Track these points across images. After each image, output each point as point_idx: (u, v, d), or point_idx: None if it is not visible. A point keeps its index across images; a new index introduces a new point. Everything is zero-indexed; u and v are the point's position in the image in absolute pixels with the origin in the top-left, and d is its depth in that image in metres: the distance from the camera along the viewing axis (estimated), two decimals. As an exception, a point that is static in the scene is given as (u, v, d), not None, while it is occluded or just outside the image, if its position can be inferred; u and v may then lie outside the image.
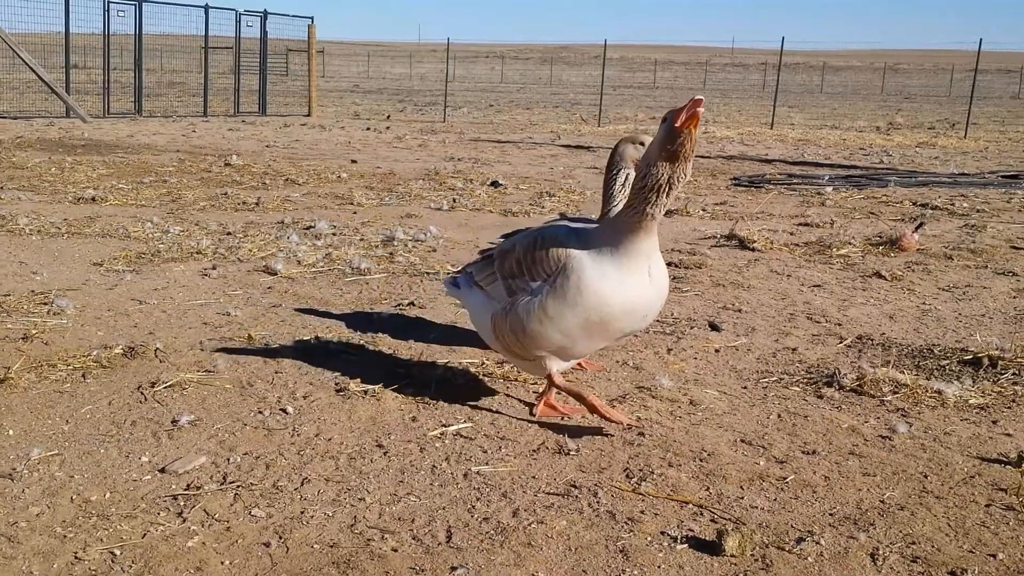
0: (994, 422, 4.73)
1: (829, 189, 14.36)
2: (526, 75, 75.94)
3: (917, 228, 10.06)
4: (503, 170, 15.84)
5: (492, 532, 3.44)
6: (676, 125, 3.68)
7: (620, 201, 4.77)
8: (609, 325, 4.08)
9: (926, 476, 4.05)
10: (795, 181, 15.48)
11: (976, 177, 16.42)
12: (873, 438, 4.46)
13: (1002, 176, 16.51)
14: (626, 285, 3.98)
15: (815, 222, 11.21)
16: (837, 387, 5.16)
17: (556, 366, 4.37)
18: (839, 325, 6.57)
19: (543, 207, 11.78)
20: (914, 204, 12.96)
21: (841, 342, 6.16)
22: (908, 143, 24.08)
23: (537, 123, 28.75)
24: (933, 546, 3.44)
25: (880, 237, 9.84)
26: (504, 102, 41.01)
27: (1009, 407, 4.95)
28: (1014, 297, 7.61)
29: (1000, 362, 5.59)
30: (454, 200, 12.08)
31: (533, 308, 4.11)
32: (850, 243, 9.67)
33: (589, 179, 15.04)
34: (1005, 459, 4.22)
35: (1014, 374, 5.45)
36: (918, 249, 9.47)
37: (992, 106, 42.69)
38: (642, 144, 4.79)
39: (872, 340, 6.21)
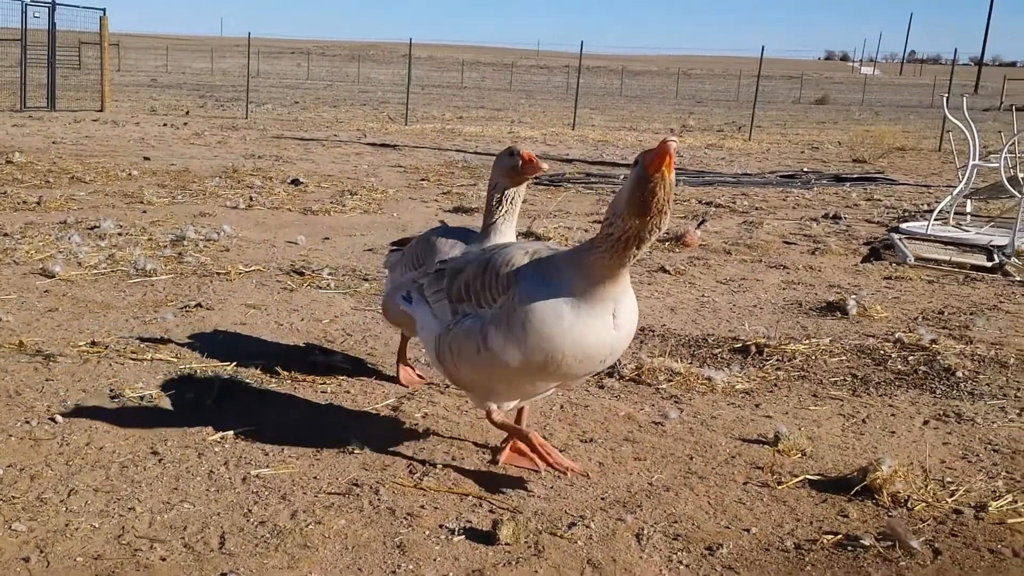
0: (757, 405, 5.06)
1: (624, 188, 14.88)
2: (333, 72, 74.97)
3: (700, 225, 10.59)
4: (305, 168, 15.60)
5: (268, 535, 3.40)
6: (648, 170, 3.14)
7: (499, 217, 4.45)
8: (557, 369, 3.55)
9: (691, 458, 4.29)
10: (593, 180, 15.98)
11: (757, 177, 17.44)
12: (647, 424, 4.69)
13: (780, 176, 17.60)
14: (582, 328, 3.45)
15: (609, 220, 11.60)
16: (617, 377, 5.39)
17: (496, 403, 3.92)
18: (625, 318, 6.84)
19: (344, 205, 11.69)
20: (699, 202, 13.62)
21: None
22: (698, 144, 25.26)
23: (343, 121, 28.42)
24: (693, 523, 3.65)
25: (666, 234, 10.28)
26: (310, 99, 40.32)
27: (771, 391, 5.31)
28: (783, 289, 8.14)
29: (766, 349, 5.99)
30: (251, 198, 11.80)
31: (473, 335, 3.65)
32: (640, 240, 10.06)
33: (393, 178, 15.02)
34: (764, 439, 4.52)
35: (777, 360, 5.84)
36: (701, 245, 9.97)
37: (775, 110, 45.40)
38: (512, 155, 4.42)
39: (653, 331, 6.50)
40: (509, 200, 4.46)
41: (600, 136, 26.85)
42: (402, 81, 36.55)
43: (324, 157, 17.77)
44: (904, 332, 6.56)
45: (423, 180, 14.81)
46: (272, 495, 3.73)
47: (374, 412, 4.72)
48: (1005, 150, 10.33)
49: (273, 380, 5.09)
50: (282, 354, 5.54)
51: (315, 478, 3.90)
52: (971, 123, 10.90)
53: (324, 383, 5.07)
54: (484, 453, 4.24)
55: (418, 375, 5.28)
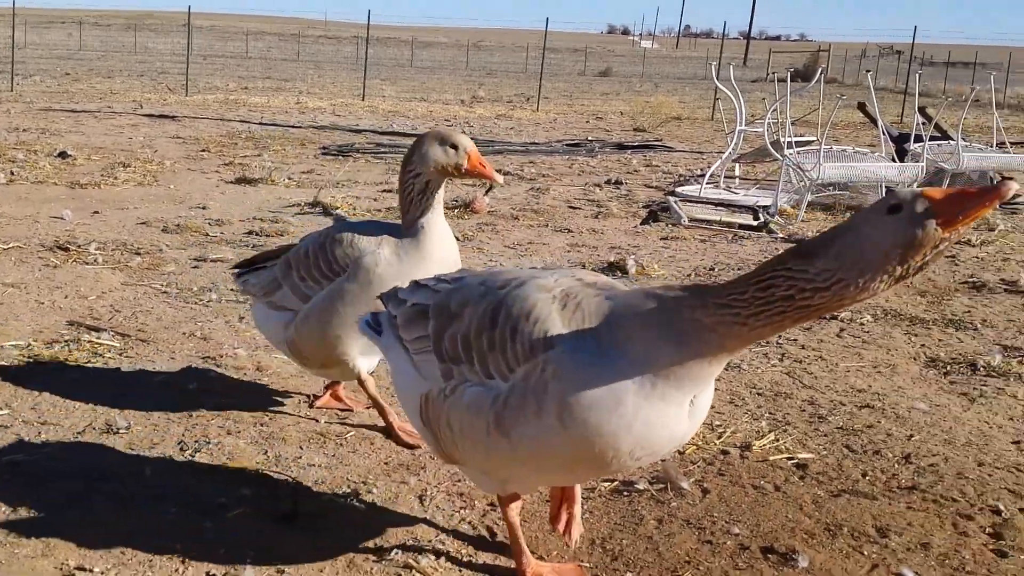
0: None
1: (413, 157, 14.82)
2: (108, 43, 70.62)
3: (487, 192, 10.67)
4: (75, 140, 14.62)
5: (20, 524, 3.15)
6: (946, 229, 2.13)
7: (423, 210, 3.76)
8: (604, 468, 2.61)
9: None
10: (383, 150, 15.79)
11: (544, 145, 17.76)
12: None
13: (566, 144, 18.00)
14: (652, 420, 2.48)
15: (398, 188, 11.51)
16: (404, 343, 5.34)
17: (513, 490, 2.92)
18: (412, 285, 6.80)
19: (116, 178, 11.03)
20: (489, 170, 13.72)
21: (412, 301, 6.38)
22: (488, 115, 25.47)
23: (119, 92, 26.83)
24: (476, 481, 3.67)
25: (456, 201, 10.30)
26: (83, 70, 37.83)
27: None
28: (568, 251, 8.32)
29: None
30: (12, 173, 10.94)
31: (482, 413, 2.63)
32: (420, 207, 10.04)
33: (171, 149, 14.31)
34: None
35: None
36: (489, 211, 10.05)
37: (562, 82, 46.36)
38: (454, 147, 3.73)
39: (441, 297, 6.49)
40: (432, 192, 3.78)
41: (391, 107, 26.59)
42: (183, 51, 34.85)
43: (96, 129, 16.72)
44: (679, 288, 6.83)
45: (203, 151, 14.21)
46: (28, 485, 3.46)
47: (143, 390, 4.47)
48: (768, 116, 10.94)
49: (30, 361, 4.73)
50: (40, 336, 5.16)
51: (74, 463, 3.65)
52: (738, 91, 11.48)
53: (89, 362, 4.76)
54: (262, 425, 4.10)
55: (339, 400, 4.41)
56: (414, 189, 3.78)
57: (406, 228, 3.83)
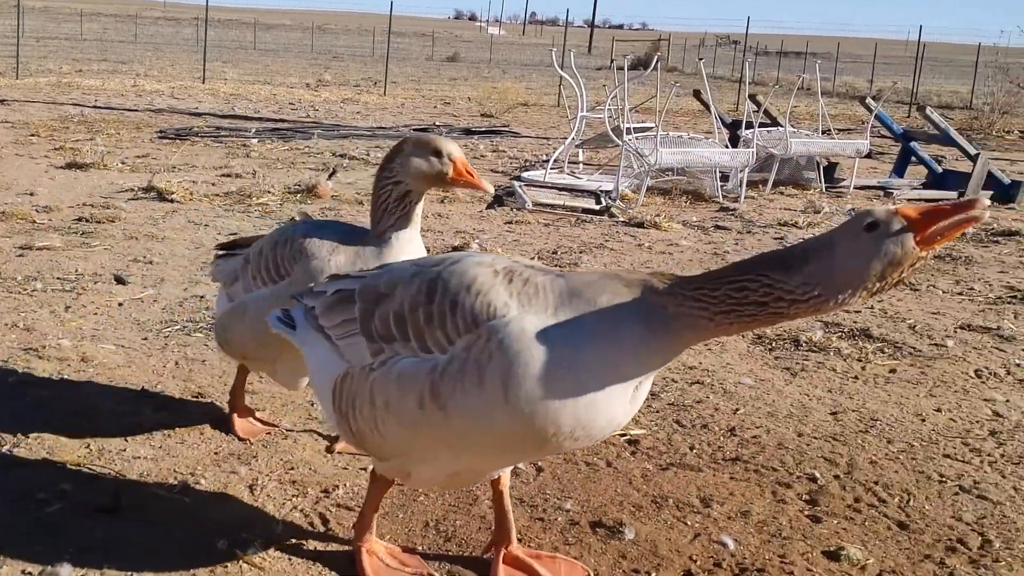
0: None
1: (255, 141, 14.47)
2: (-78, 18, 66.11)
3: (330, 176, 10.52)
4: None
5: None
6: (921, 247, 2.21)
7: (398, 220, 3.39)
8: (539, 448, 2.54)
9: (313, 404, 4.24)
10: (223, 134, 15.35)
11: (392, 130, 17.64)
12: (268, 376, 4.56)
13: (414, 129, 17.92)
14: (602, 398, 2.41)
15: (238, 172, 11.21)
16: (239, 330, 5.21)
17: (415, 480, 2.86)
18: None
19: (-72, 163, 10.33)
20: (334, 154, 13.52)
21: (250, 287, 6.23)
22: (335, 99, 25.06)
23: (-66, 73, 25.15)
24: (311, 468, 3.61)
25: (299, 185, 10.11)
26: None
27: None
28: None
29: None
30: None
31: (416, 385, 2.52)
32: (270, 192, 9.82)
33: (-7, 133, 13.52)
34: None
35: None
36: (333, 196, 9.90)
37: (410, 67, 46.03)
38: (436, 155, 3.35)
39: (280, 283, 6.36)
40: (412, 203, 3.42)
41: (233, 90, 25.84)
42: (12, 32, 32.94)
43: (-93, 111, 15.63)
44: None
45: (33, 136, 13.48)
46: None
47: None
48: (608, 103, 11.16)
49: None
50: None
51: None
52: (579, 77, 11.66)
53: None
54: (86, 419, 3.92)
55: (261, 422, 4.03)
56: (390, 196, 3.41)
57: (374, 237, 3.46)
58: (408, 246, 3.43)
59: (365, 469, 3.58)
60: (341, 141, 15.36)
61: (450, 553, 3.08)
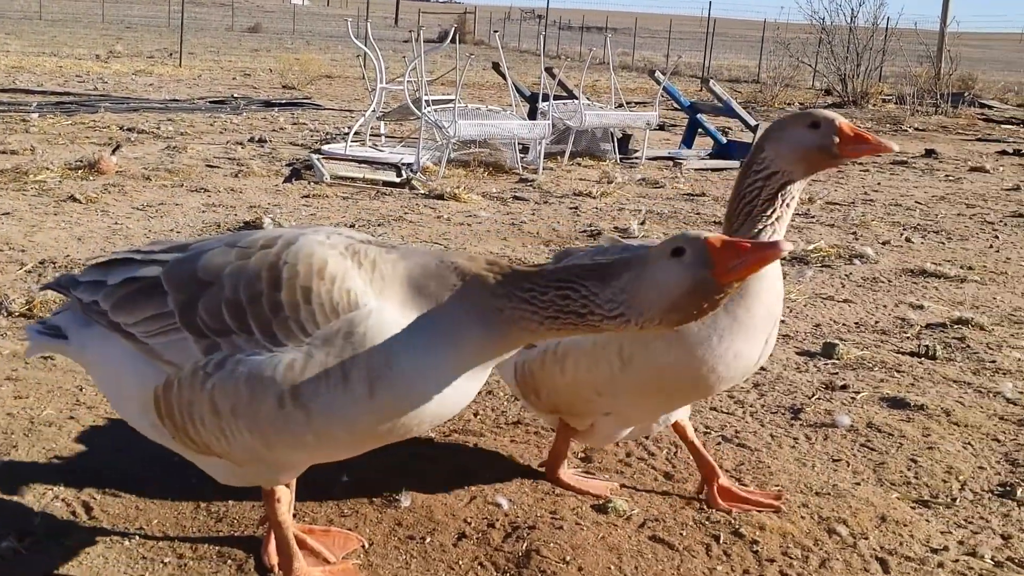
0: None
1: (36, 116, 13.61)
2: None
3: (114, 151, 10.03)
4: None
5: None
6: (721, 280, 2.17)
7: (769, 225, 2.85)
8: (402, 435, 2.49)
9: (81, 389, 4.05)
10: (1, 108, 14.36)
11: (186, 102, 16.96)
12: (34, 361, 4.32)
13: (210, 101, 17.29)
14: (460, 391, 2.42)
15: (15, 149, 10.51)
16: (6, 314, 4.92)
17: (279, 477, 2.65)
18: (23, 252, 6.28)
19: None
20: (121, 128, 12.88)
21: (22, 268, 5.90)
22: (126, 71, 23.84)
23: None
24: (76, 454, 3.46)
25: (81, 161, 9.59)
26: None
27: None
28: (203, 211, 8.01)
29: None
30: None
31: (270, 385, 2.32)
32: (48, 168, 9.26)
33: None
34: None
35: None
36: (117, 171, 9.45)
37: (209, 37, 44.27)
38: (815, 127, 2.85)
39: (56, 263, 6.04)
40: (788, 200, 2.88)
41: (15, 62, 24.16)
42: None
43: None
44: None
45: None
46: None
47: None
48: (407, 75, 11.12)
49: None
50: None
51: None
52: (377, 50, 11.55)
53: None
54: None
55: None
56: (759, 196, 2.86)
57: None
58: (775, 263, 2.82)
59: (136, 450, 3.45)
60: (130, 115, 14.65)
61: (221, 534, 3.02)
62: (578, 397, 3.13)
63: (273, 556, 2.80)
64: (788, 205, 2.88)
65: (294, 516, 3.01)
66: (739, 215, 2.89)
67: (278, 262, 2.36)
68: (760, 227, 2.84)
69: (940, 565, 3.07)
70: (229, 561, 2.85)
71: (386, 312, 2.32)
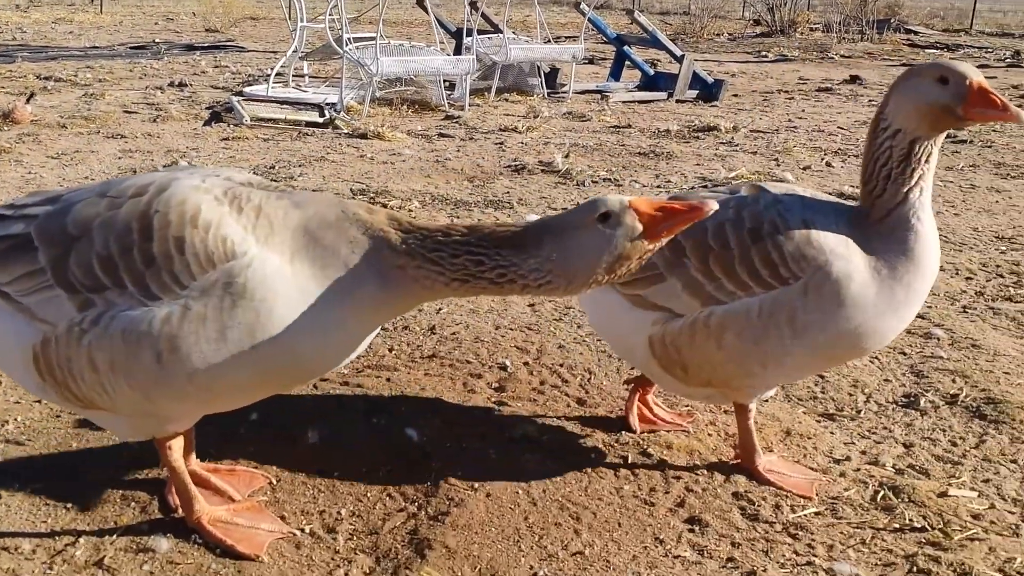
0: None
1: (-56, 66, 13.12)
2: None
3: (29, 100, 9.71)
4: None
5: None
6: (651, 240, 2.26)
7: (911, 189, 2.74)
8: (289, 386, 2.58)
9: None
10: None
11: (106, 49, 16.49)
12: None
13: (130, 47, 16.83)
14: (343, 345, 2.40)
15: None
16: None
17: (166, 428, 2.59)
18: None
19: None
20: (38, 77, 12.49)
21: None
22: (46, 20, 23.07)
23: None
24: (-24, 405, 3.40)
25: (-10, 111, 9.30)
26: None
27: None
28: (119, 158, 7.82)
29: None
30: None
31: (147, 338, 2.25)
32: (-47, 120, 8.96)
33: None
34: None
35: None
36: (32, 121, 9.17)
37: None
38: (942, 82, 2.68)
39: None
40: (925, 155, 2.73)
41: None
42: None
43: None
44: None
45: None
46: None
47: None
48: (328, 11, 10.88)
49: None
50: None
51: None
52: (296, -14, 11.28)
53: None
54: None
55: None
56: (891, 157, 2.72)
57: (876, 219, 2.76)
58: (929, 222, 2.76)
59: (40, 402, 3.39)
60: (48, 63, 14.22)
61: (125, 477, 2.99)
62: (740, 371, 2.89)
63: (176, 497, 2.78)
64: (927, 162, 2.73)
65: (201, 456, 2.99)
66: (878, 178, 2.76)
67: (149, 211, 2.26)
68: (905, 190, 2.72)
69: (842, 474, 3.15)
70: (133, 504, 2.83)
71: (270, 261, 2.24)
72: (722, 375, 2.94)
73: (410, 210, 6.38)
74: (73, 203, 2.35)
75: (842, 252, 2.73)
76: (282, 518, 2.78)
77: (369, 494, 2.92)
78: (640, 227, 2.22)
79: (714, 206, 2.22)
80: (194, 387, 2.30)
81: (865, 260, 2.74)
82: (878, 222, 2.76)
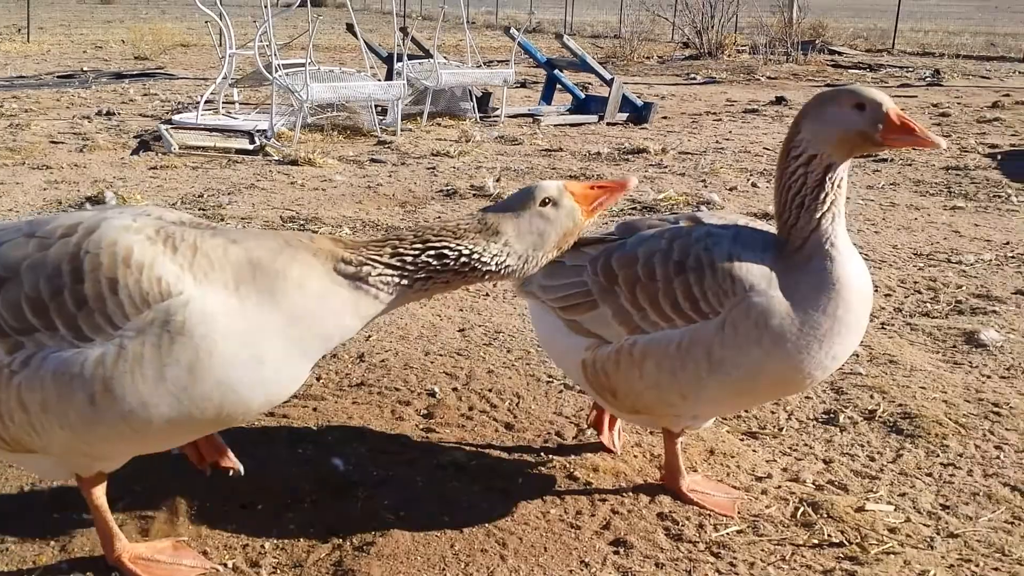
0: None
1: None
2: None
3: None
4: None
5: None
6: (585, 215, 2.55)
7: (825, 213, 2.72)
8: (228, 423, 2.41)
9: None
10: None
11: (32, 78, 16.19)
12: None
13: (58, 76, 16.55)
14: (291, 376, 2.36)
15: None
16: None
17: (94, 468, 2.56)
18: None
19: None
20: (-42, 108, 12.23)
21: None
22: (-33, 46, 22.63)
23: None
24: None
25: (-91, 143, 9.08)
26: None
27: None
28: (44, 189, 7.68)
29: None
30: None
31: (78, 381, 2.21)
32: None
33: None
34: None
35: None
36: (-49, 152, 8.97)
37: (59, 11, 42.23)
38: (859, 108, 2.70)
39: None
40: (836, 183, 2.73)
41: None
42: None
43: None
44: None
45: None
46: None
47: None
48: (257, 39, 10.82)
49: None
50: None
51: None
52: (224, 14, 11.19)
53: None
54: None
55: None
56: (805, 183, 2.72)
57: (794, 250, 2.76)
58: (845, 250, 2.74)
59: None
60: (-33, 93, 13.91)
61: (42, 514, 2.93)
62: (660, 400, 2.93)
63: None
64: (839, 187, 2.74)
65: (119, 492, 2.94)
66: (791, 207, 2.76)
67: (79, 252, 2.22)
68: (818, 216, 2.72)
69: (764, 492, 3.21)
70: (52, 543, 2.77)
71: (210, 297, 2.20)
72: (646, 402, 2.98)
73: (343, 234, 6.35)
74: (4, 242, 2.30)
75: (762, 288, 2.73)
76: (204, 553, 2.75)
77: (294, 526, 2.91)
78: (577, 205, 2.51)
79: (635, 182, 2.61)
80: (129, 427, 2.25)
81: (785, 294, 2.72)
82: (795, 252, 2.76)
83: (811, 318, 2.71)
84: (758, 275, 2.74)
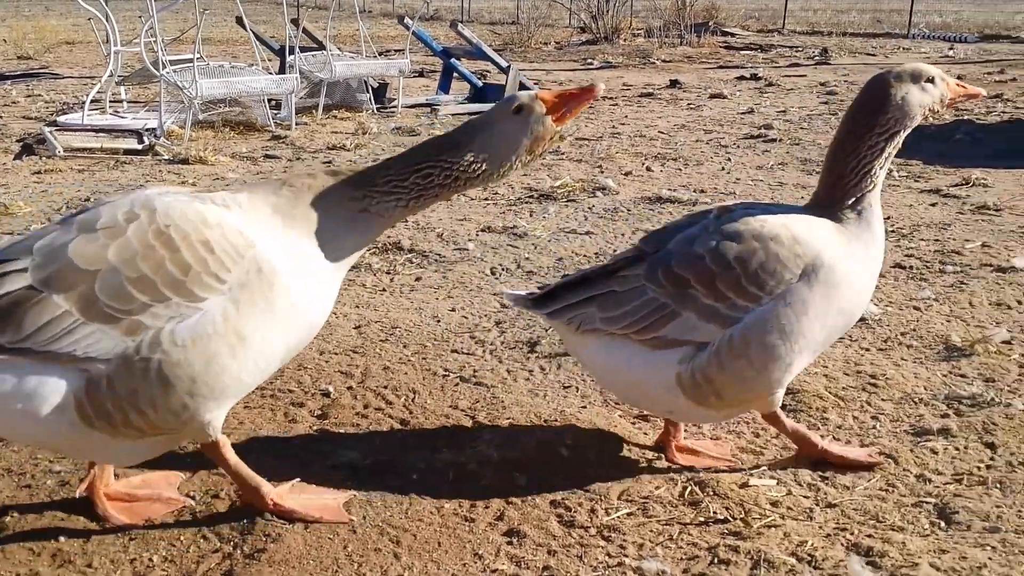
0: None
1: None
2: None
3: None
4: None
5: None
6: (557, 122, 2.84)
7: (875, 183, 3.11)
8: (306, 339, 2.92)
9: None
10: None
11: (-95, 80, 15.51)
12: None
13: (-67, 77, 15.89)
14: (335, 289, 2.89)
15: None
16: None
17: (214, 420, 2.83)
18: None
19: None
20: None
21: None
22: None
23: None
24: None
25: None
26: None
27: None
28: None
29: None
30: None
31: (216, 336, 2.59)
32: None
33: None
34: None
35: None
36: None
37: (-65, 5, 40.65)
38: (931, 81, 3.12)
39: None
40: (891, 156, 3.14)
41: None
42: None
43: None
44: None
45: None
46: None
47: None
48: (143, 34, 10.56)
49: None
50: None
51: None
52: (108, 10, 10.88)
53: None
54: None
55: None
56: (883, 151, 3.08)
57: (846, 206, 3.11)
58: (878, 208, 3.16)
59: None
60: None
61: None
62: (769, 381, 3.07)
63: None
64: (897, 147, 3.13)
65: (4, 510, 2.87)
66: (857, 172, 3.08)
67: (160, 227, 2.48)
68: (878, 178, 3.10)
69: (654, 473, 3.29)
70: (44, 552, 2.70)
71: (271, 242, 2.60)
72: (754, 389, 3.09)
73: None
74: (63, 244, 2.45)
75: (830, 243, 3.03)
76: (88, 566, 2.70)
77: (183, 537, 2.87)
78: (546, 111, 2.77)
79: (602, 87, 2.85)
80: (255, 365, 2.62)
81: (848, 246, 3.06)
82: (848, 208, 3.10)
83: (871, 258, 3.13)
84: (821, 234, 3.04)
